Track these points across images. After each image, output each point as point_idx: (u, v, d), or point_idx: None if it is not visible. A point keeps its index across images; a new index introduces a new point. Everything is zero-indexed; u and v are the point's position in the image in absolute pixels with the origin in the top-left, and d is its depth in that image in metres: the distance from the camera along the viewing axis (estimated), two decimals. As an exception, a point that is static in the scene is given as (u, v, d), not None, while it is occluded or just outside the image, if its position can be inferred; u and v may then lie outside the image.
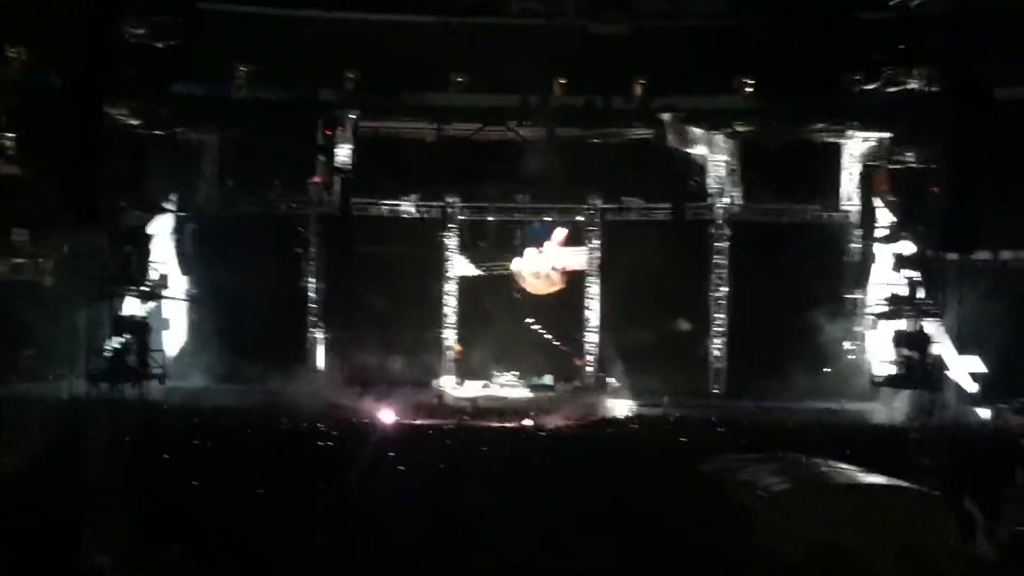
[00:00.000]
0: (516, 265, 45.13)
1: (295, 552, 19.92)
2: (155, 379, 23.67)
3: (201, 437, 28.30)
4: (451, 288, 45.24)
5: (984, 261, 38.61)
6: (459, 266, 45.33)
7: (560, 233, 45.22)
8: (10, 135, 40.74)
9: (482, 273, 45.40)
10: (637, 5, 42.66)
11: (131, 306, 24.22)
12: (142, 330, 22.44)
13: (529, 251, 45.06)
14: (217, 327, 42.77)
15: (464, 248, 45.35)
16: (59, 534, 19.42)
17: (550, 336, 44.82)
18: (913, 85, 33.24)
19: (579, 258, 45.28)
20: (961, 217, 29.35)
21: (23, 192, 38.71)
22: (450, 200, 44.90)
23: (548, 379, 44.06)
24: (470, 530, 19.93)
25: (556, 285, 45.38)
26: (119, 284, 22.14)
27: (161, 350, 38.30)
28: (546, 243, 45.20)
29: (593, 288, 44.92)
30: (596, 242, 44.83)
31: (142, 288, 22.99)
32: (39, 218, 38.28)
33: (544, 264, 45.08)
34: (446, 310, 45.14)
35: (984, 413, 37.32)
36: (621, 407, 40.68)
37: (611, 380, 43.45)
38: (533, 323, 44.69)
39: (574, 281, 45.34)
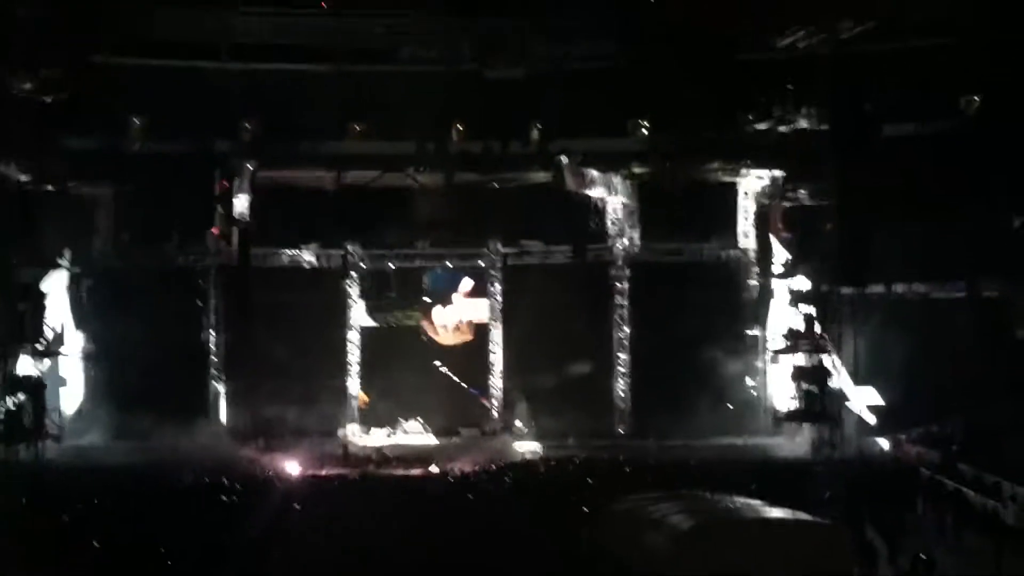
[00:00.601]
0: (425, 319, 45.06)
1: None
2: (52, 439, 23.13)
3: (100, 496, 27.77)
4: (354, 336, 44.93)
5: (878, 294, 39.32)
6: (363, 318, 45.02)
7: (467, 284, 45.25)
8: None
9: (389, 326, 45.17)
10: (529, 51, 42.94)
11: (26, 365, 23.71)
12: (37, 389, 21.97)
13: (437, 307, 45.04)
14: (116, 383, 42.04)
15: (368, 300, 45.10)
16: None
17: (456, 379, 44.71)
18: (803, 124, 33.90)
19: (486, 309, 45.36)
20: (854, 252, 29.94)
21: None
22: (350, 248, 44.69)
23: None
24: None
25: (465, 336, 45.36)
26: (13, 342, 21.64)
27: (58, 409, 37.56)
28: (453, 295, 45.19)
29: (496, 332, 44.94)
30: (498, 286, 44.91)
31: (37, 346, 22.51)
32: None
33: (452, 317, 45.06)
34: (350, 358, 44.81)
35: (883, 444, 37.91)
36: (527, 450, 40.71)
37: (517, 423, 43.48)
38: (440, 366, 44.61)
39: (481, 329, 45.36)
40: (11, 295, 21.44)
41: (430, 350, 45.12)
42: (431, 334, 45.11)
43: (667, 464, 34.76)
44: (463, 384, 44.69)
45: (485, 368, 44.94)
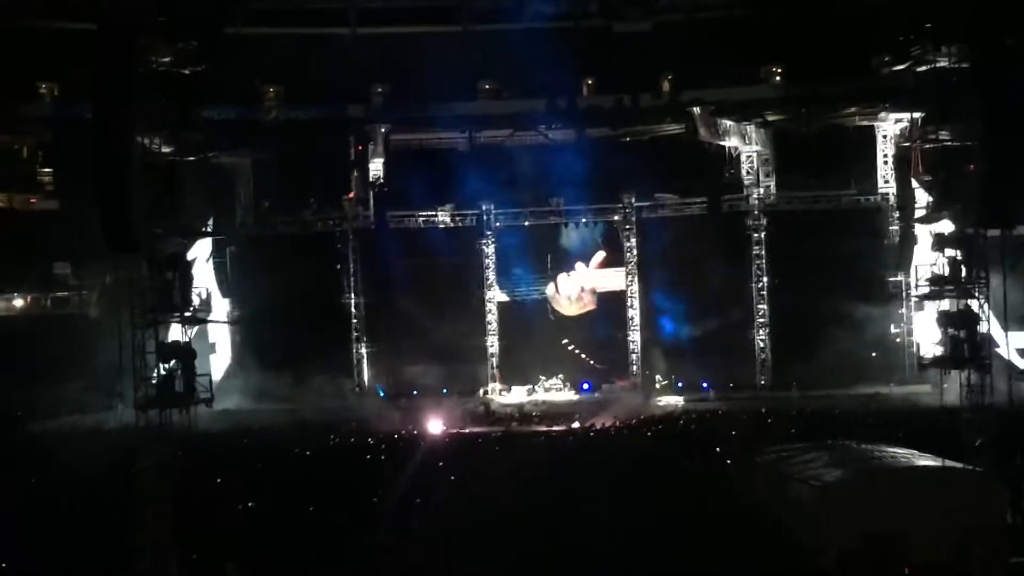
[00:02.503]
0: (550, 290, 45.26)
1: (348, 566, 19.97)
2: (203, 403, 23.75)
3: (252, 458, 28.47)
4: (492, 295, 45.16)
5: (1026, 236, 38.11)
6: (496, 293, 45.32)
7: (600, 256, 45.16)
8: (47, 170, 41.21)
9: (515, 300, 45.43)
10: (656, 1, 42.43)
11: (175, 332, 24.30)
12: (187, 355, 22.47)
13: (561, 276, 45.15)
14: (261, 347, 43.11)
15: (497, 275, 45.39)
16: (116, 560, 19.58)
17: (585, 356, 44.69)
18: (942, 63, 32.83)
19: (613, 279, 45.27)
20: (999, 193, 28.86)
21: (63, 226, 39.11)
22: (485, 207, 44.88)
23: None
24: (523, 533, 19.91)
25: (588, 306, 45.36)
26: (162, 311, 22.18)
27: (207, 374, 38.34)
28: (578, 264, 45.18)
29: (633, 286, 44.74)
30: (633, 240, 44.64)
31: (185, 314, 23.03)
32: (80, 251, 38.66)
33: (574, 287, 45.07)
34: (488, 317, 45.08)
35: (1035, 389, 36.84)
36: (668, 404, 40.57)
37: (657, 377, 43.35)
38: (569, 345, 44.72)
39: (613, 299, 45.28)
40: (159, 265, 21.93)
41: (563, 323, 45.26)
42: (555, 306, 45.30)
43: (810, 414, 34.35)
44: (591, 361, 44.65)
45: (624, 327, 44.79)
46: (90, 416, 36.57)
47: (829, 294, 41.31)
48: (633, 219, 44.74)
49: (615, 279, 45.25)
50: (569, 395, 43.27)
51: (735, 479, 22.26)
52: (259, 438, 33.14)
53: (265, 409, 40.53)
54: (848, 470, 18.65)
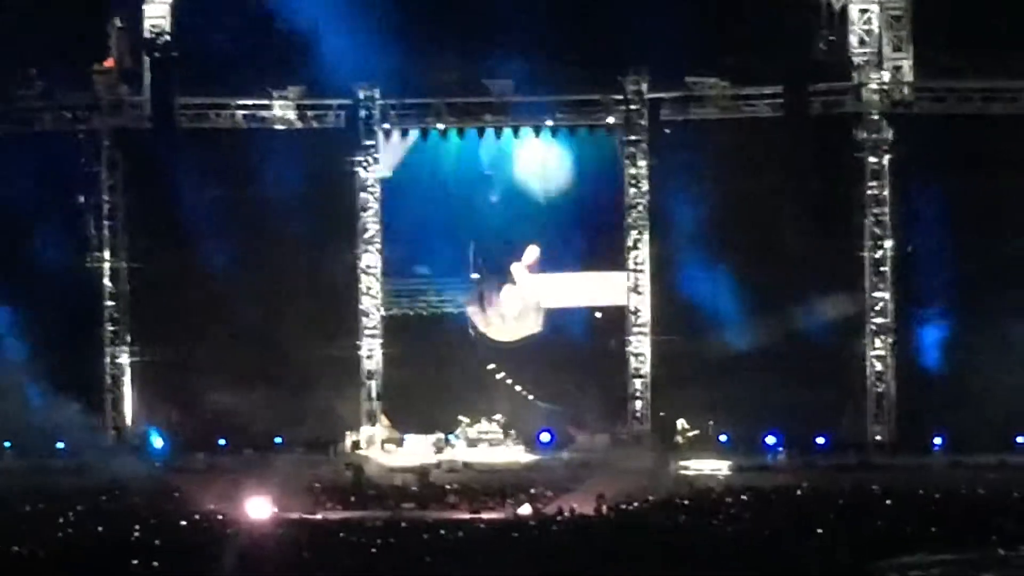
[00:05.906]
0: (472, 304, 46.23)
1: None
2: None
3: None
4: (372, 260, 45.05)
5: None
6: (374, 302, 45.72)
7: (532, 253, 45.71)
8: None
9: (416, 315, 46.20)
10: None
11: None
12: None
13: (490, 288, 46.27)
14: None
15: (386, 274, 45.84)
16: None
17: (524, 391, 45.07)
18: None
19: (591, 290, 46.23)
20: None
21: None
22: (364, 94, 44.81)
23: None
24: None
25: (531, 329, 46.15)
26: None
27: None
28: (514, 266, 45.84)
29: (640, 251, 44.82)
30: (642, 162, 44.71)
31: None
32: None
33: (512, 304, 45.90)
34: (365, 304, 45.06)
35: None
36: (701, 471, 40.80)
37: (680, 423, 43.58)
38: (496, 370, 45.16)
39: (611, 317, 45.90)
40: None
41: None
42: (481, 326, 46.15)
43: (963, 497, 34.66)
44: (533, 399, 45.05)
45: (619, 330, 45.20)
46: None
47: (1002, 270, 41.71)
48: (645, 123, 44.82)
49: (595, 289, 46.27)
50: (516, 452, 43.43)
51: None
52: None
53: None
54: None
